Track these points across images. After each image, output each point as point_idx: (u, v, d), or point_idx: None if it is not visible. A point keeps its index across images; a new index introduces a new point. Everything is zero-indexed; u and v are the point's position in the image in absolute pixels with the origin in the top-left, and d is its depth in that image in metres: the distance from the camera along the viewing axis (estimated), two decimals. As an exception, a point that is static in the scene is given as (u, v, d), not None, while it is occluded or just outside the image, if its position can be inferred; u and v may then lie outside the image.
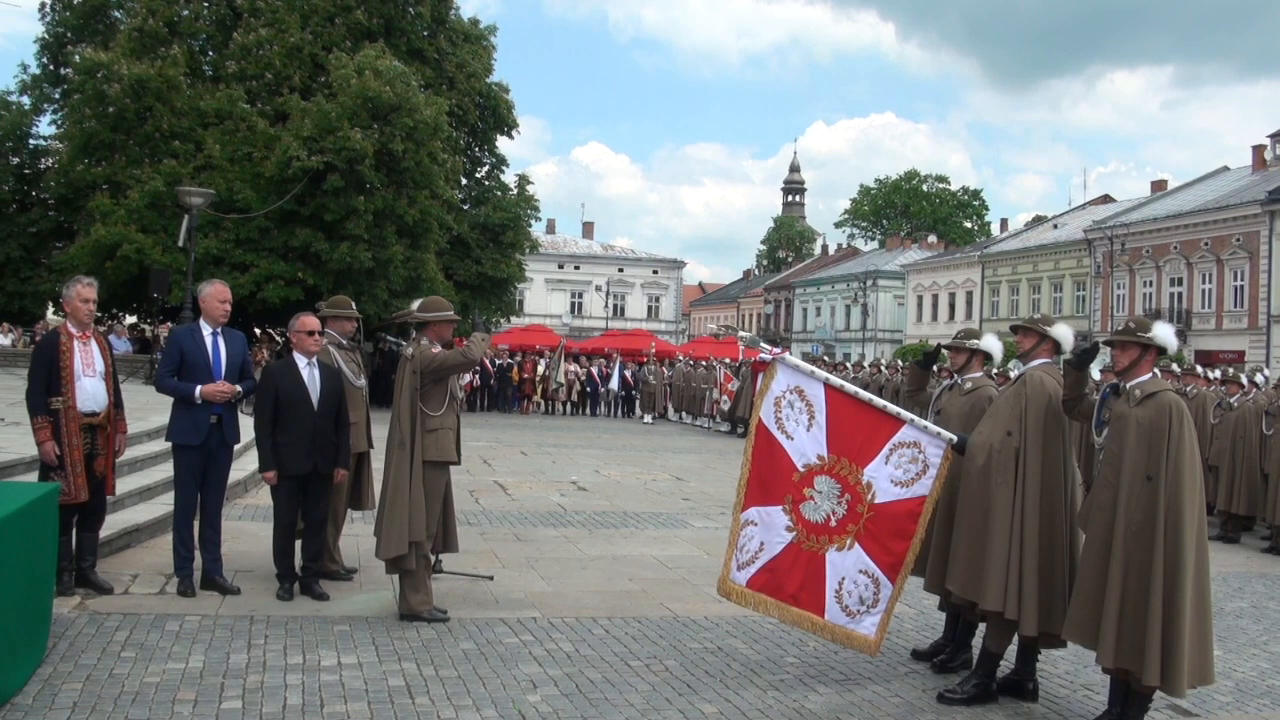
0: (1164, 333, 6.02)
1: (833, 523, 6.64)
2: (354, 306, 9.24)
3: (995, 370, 8.46)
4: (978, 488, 6.38)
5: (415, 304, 8.06)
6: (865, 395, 6.88)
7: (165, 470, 10.06)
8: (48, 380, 7.28)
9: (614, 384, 35.79)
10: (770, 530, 6.77)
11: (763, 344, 7.15)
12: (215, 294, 8.01)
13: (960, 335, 7.62)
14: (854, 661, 7.08)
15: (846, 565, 6.63)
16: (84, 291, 7.49)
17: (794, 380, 6.81)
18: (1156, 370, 6.23)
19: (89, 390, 7.45)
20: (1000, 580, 6.18)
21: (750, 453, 6.90)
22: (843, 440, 6.68)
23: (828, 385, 6.75)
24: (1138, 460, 5.74)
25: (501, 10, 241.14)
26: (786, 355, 7.03)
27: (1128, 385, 6.00)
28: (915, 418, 6.73)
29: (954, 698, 6.35)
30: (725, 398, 29.81)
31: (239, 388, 7.92)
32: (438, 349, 7.64)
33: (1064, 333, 6.66)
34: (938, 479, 6.58)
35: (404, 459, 7.32)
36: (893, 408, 6.78)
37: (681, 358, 39.76)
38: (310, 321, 8.10)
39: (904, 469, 6.60)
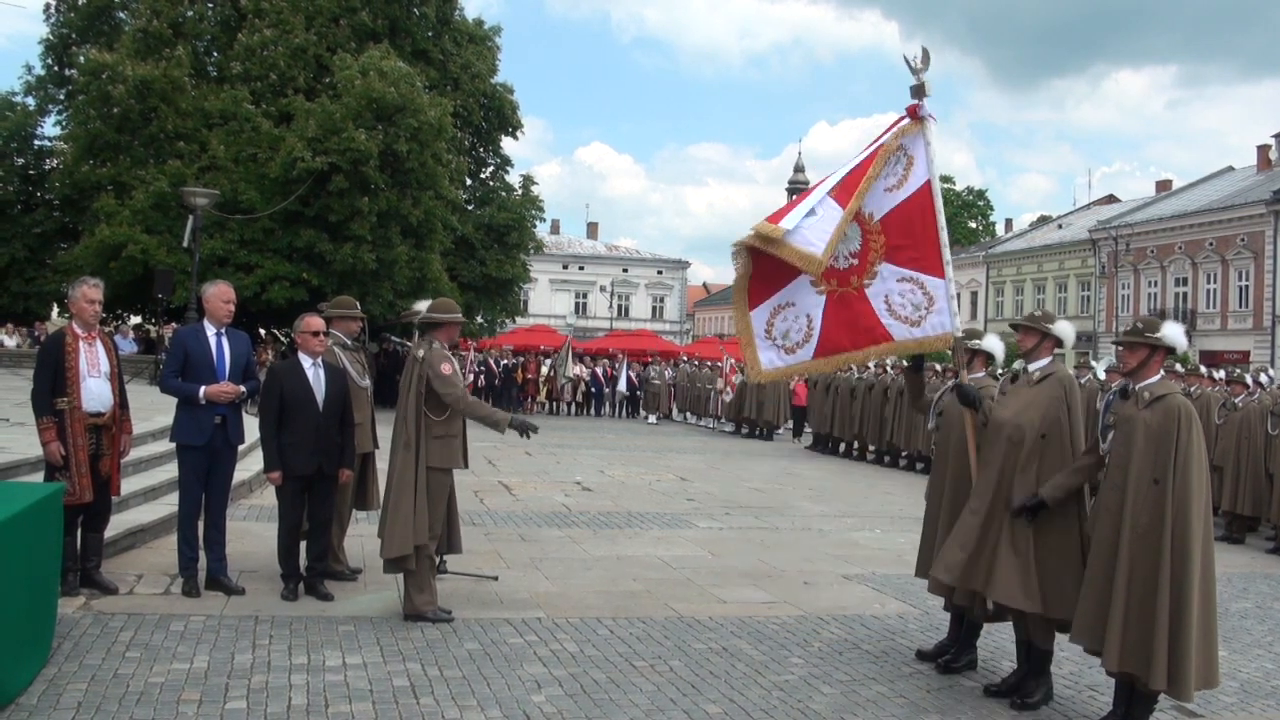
0: (1173, 333, 5.99)
1: (855, 261, 6.87)
2: (359, 307, 9.25)
3: (1000, 371, 8.43)
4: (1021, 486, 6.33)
5: (423, 304, 8.03)
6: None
7: (170, 471, 10.06)
8: (53, 381, 7.29)
9: (621, 385, 35.79)
10: (806, 301, 6.98)
11: None
12: (219, 294, 8.02)
13: (963, 335, 7.61)
14: (859, 662, 7.08)
15: (885, 286, 6.85)
16: (89, 293, 7.50)
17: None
18: (1160, 371, 6.21)
19: (94, 391, 7.46)
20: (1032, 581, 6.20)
21: (748, 259, 7.03)
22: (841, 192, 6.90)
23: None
24: (1145, 463, 5.71)
25: (503, 10, 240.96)
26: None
27: (1136, 387, 5.96)
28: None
29: (1031, 702, 6.34)
30: (729, 389, 29.80)
31: (243, 388, 7.93)
32: (448, 353, 7.62)
33: (1065, 330, 6.63)
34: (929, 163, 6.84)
35: (409, 461, 7.32)
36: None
37: (685, 358, 39.73)
38: (315, 322, 8.10)
39: (891, 174, 6.90)
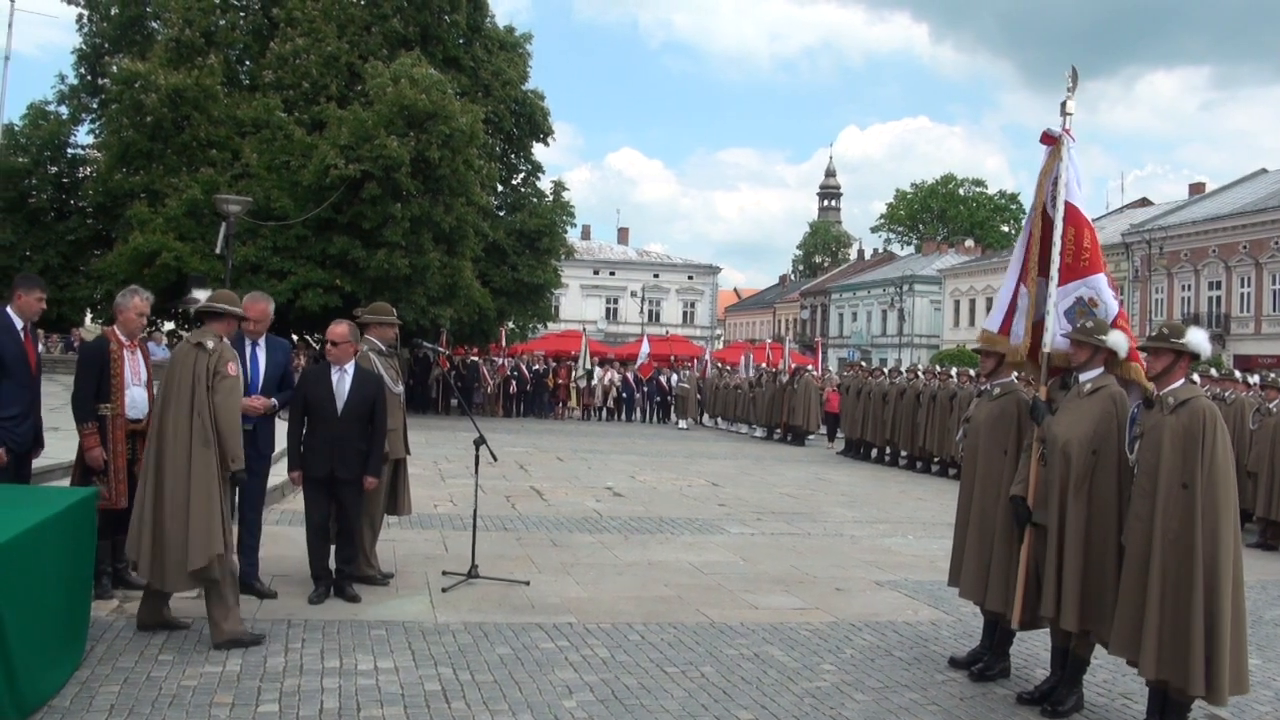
0: (1197, 338, 5.94)
1: None
2: (395, 313, 9.26)
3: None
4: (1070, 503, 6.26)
5: (201, 293, 7.37)
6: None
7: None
8: (97, 387, 7.39)
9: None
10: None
11: None
12: (249, 311, 7.86)
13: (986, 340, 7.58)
14: (891, 669, 7.05)
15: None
16: (140, 305, 7.64)
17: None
18: (1195, 377, 6.15)
19: (136, 398, 7.61)
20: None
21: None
22: None
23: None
24: (1174, 468, 5.66)
25: (532, 16, 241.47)
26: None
27: (1161, 393, 5.93)
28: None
29: (1063, 710, 6.29)
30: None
31: (273, 401, 8.00)
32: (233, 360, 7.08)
33: (1119, 341, 6.53)
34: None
35: (209, 459, 6.70)
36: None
37: (716, 363, 39.69)
38: (331, 331, 8.17)
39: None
